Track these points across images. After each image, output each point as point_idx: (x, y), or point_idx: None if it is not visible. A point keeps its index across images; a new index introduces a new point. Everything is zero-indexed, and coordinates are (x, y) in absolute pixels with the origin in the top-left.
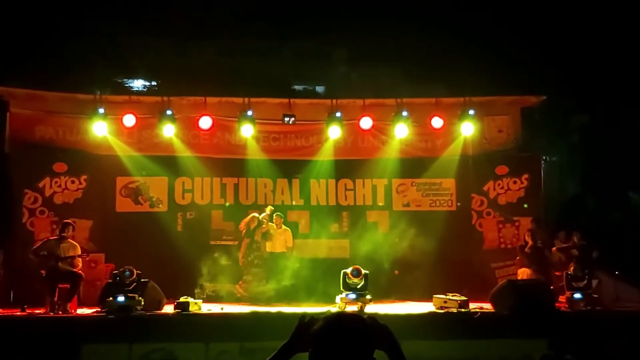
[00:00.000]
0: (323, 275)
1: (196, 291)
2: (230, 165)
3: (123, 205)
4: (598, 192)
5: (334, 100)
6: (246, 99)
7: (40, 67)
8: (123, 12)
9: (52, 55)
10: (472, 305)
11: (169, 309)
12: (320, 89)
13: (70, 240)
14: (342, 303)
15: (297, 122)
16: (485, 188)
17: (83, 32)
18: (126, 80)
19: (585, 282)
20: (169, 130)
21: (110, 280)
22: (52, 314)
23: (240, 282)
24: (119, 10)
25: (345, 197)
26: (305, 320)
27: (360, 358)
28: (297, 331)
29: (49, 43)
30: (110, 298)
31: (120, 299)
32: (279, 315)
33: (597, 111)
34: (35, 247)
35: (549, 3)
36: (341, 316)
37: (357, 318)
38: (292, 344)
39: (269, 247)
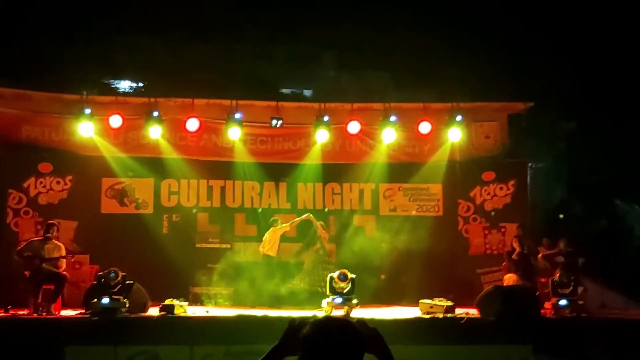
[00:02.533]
0: (309, 279)
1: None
2: (217, 167)
3: (108, 206)
4: (584, 199)
5: (322, 104)
6: (234, 102)
7: (27, 67)
8: (112, 12)
9: (39, 54)
10: (458, 311)
11: (154, 311)
12: (308, 92)
13: (55, 241)
14: (329, 307)
15: (284, 125)
16: (471, 194)
17: (71, 31)
18: (113, 80)
19: (570, 288)
20: (155, 132)
21: (95, 282)
22: (35, 315)
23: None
24: (107, 11)
25: (333, 201)
26: (295, 324)
27: None
28: (286, 334)
29: (36, 42)
30: (95, 300)
31: (105, 300)
32: (265, 318)
33: (584, 118)
34: (19, 247)
35: (536, 11)
36: (330, 320)
37: (346, 322)
38: (280, 347)
39: (268, 250)
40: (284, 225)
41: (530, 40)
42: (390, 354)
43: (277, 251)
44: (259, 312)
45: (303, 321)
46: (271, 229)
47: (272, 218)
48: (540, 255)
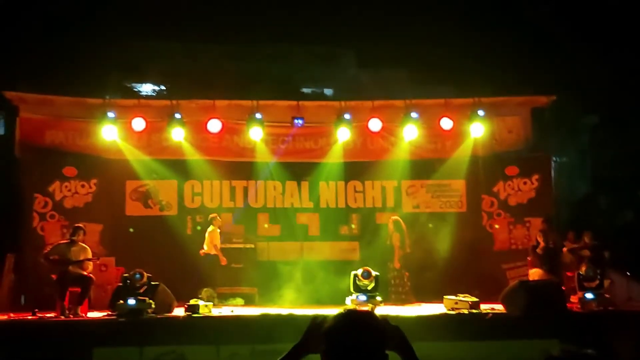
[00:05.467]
0: (333, 277)
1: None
2: (239, 168)
3: (133, 209)
4: (609, 192)
5: (343, 102)
6: (255, 102)
7: (50, 72)
8: (133, 17)
9: (62, 60)
10: (484, 307)
11: (179, 311)
12: (328, 91)
13: (81, 244)
14: (353, 305)
15: (306, 124)
16: (495, 189)
17: (93, 37)
18: (135, 84)
19: (597, 282)
20: (178, 134)
21: (120, 284)
22: (63, 317)
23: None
24: (128, 16)
25: (355, 199)
26: (317, 321)
27: (372, 352)
28: (308, 331)
29: (59, 48)
30: (121, 301)
31: (131, 302)
32: (290, 317)
33: (607, 111)
34: (46, 251)
35: (558, 5)
36: (352, 312)
37: (368, 313)
38: (303, 344)
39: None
40: (217, 229)
41: (552, 34)
42: (412, 351)
43: (218, 249)
44: (284, 311)
45: (325, 318)
46: (211, 227)
47: (211, 216)
48: (565, 249)
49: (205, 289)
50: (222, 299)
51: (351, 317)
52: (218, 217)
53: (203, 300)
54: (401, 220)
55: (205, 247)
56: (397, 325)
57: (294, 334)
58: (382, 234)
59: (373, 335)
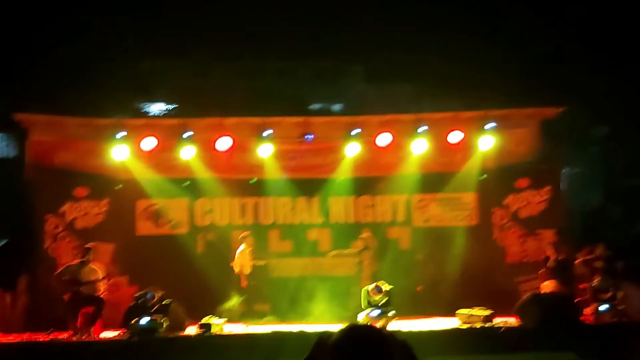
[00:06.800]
0: (344, 293)
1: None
2: (249, 185)
3: (144, 228)
4: (621, 203)
5: (351, 118)
6: (264, 119)
7: (59, 94)
8: (142, 37)
9: (72, 81)
10: (497, 320)
11: (191, 330)
12: (337, 107)
13: (92, 265)
14: (365, 320)
15: (315, 140)
16: (505, 202)
17: (102, 57)
18: (145, 104)
19: (611, 293)
20: (188, 152)
21: (133, 303)
22: (75, 338)
23: None
24: (137, 36)
25: (365, 214)
26: (324, 336)
27: None
28: (315, 347)
29: (68, 69)
30: (134, 320)
31: (144, 321)
32: (301, 334)
33: (618, 122)
34: (57, 272)
35: (567, 17)
36: (357, 326)
37: (374, 327)
38: (309, 359)
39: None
40: (248, 249)
41: (560, 45)
42: None
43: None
44: (295, 328)
45: (332, 334)
46: (243, 246)
47: (242, 235)
48: (578, 260)
49: (235, 296)
50: (247, 316)
51: (356, 331)
52: (250, 236)
53: (229, 306)
54: (372, 237)
55: (236, 268)
56: (404, 339)
57: (305, 351)
58: (393, 248)
59: (378, 348)
